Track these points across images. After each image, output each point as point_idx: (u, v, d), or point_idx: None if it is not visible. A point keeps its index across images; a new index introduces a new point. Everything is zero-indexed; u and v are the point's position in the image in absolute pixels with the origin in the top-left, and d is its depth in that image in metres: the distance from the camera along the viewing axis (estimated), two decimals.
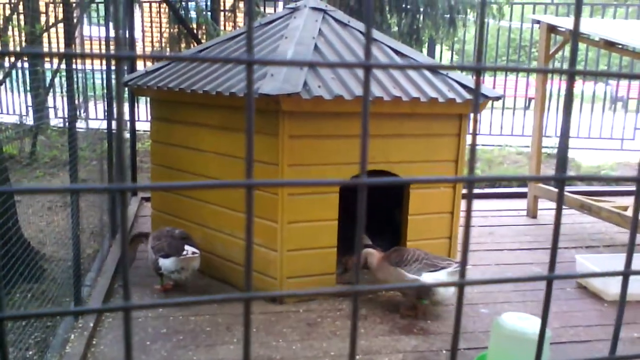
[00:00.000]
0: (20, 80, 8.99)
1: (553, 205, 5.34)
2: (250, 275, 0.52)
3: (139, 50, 7.69)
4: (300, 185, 0.51)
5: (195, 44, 6.41)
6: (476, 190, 6.40)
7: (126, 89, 4.76)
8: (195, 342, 2.90)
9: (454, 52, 9.97)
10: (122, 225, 0.50)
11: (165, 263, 3.26)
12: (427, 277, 3.08)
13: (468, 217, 0.52)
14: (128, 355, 0.51)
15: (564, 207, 4.83)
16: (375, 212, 4.11)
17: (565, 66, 7.72)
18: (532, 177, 0.54)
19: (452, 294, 3.17)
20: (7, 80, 8.32)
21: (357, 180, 0.48)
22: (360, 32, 3.62)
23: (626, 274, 0.60)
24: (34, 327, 3.05)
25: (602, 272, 0.63)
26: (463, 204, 3.77)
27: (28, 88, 8.48)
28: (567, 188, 6.03)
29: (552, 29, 5.07)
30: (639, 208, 0.55)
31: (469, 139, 3.59)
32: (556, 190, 5.23)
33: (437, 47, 9.24)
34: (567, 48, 6.91)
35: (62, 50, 3.27)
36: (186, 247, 3.25)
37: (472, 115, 3.54)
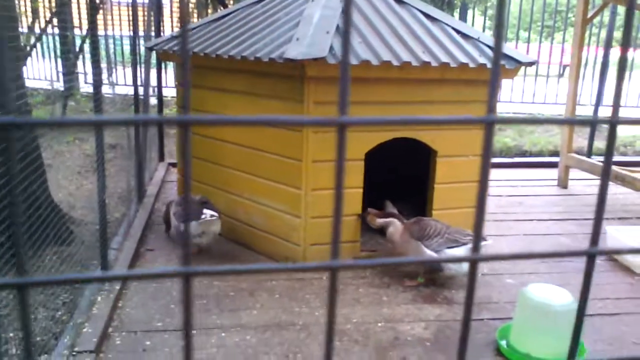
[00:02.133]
0: (51, 45, 9.06)
1: (585, 175, 5.21)
2: (338, 244, 0.48)
3: (166, 15, 7.65)
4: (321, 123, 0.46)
5: (222, 8, 6.34)
6: (506, 159, 6.28)
7: (153, 53, 4.75)
8: (219, 306, 2.93)
9: (487, 17, 9.68)
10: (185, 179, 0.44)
11: None
12: (449, 254, 3.04)
13: (486, 164, 0.48)
14: (187, 324, 0.48)
15: (595, 177, 4.68)
16: (401, 178, 4.07)
17: (603, 31, 7.41)
18: (565, 120, 0.49)
19: (466, 269, 3.13)
20: (38, 46, 8.40)
21: (335, 119, 0.44)
22: None
23: None
24: (63, 289, 3.12)
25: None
26: (492, 173, 3.69)
27: (58, 53, 8.55)
28: (599, 158, 5.86)
29: None
30: None
31: (499, 106, 3.50)
32: (589, 160, 5.09)
33: (470, 12, 8.98)
34: (606, 13, 6.64)
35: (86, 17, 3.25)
36: (205, 210, 3.27)
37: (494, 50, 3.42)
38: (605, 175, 0.50)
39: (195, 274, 0.47)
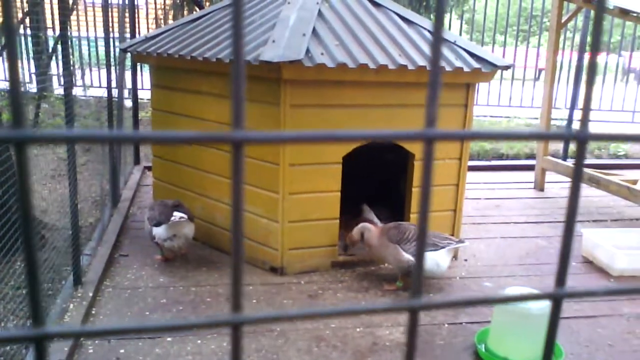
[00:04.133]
0: (23, 46, 8.88)
1: (561, 178, 5.26)
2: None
3: (142, 16, 7.55)
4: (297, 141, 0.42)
5: (198, 10, 6.27)
6: (483, 162, 6.32)
7: (128, 55, 4.68)
8: (195, 312, 2.88)
9: (464, 22, 9.75)
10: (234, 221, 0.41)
11: (158, 231, 3.25)
12: (427, 257, 3.03)
13: (426, 187, 0.44)
14: None
15: (570, 180, 4.76)
16: (377, 182, 4.06)
17: (577, 36, 7.51)
18: (542, 135, 0.46)
19: (444, 271, 3.13)
20: None
21: (230, 135, 0.39)
22: None
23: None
24: None
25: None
26: (469, 176, 3.70)
27: (31, 54, 8.38)
28: (574, 160, 5.93)
29: None
30: None
31: (476, 109, 3.51)
32: (564, 163, 5.14)
33: (447, 16, 9.03)
34: (580, 17, 6.73)
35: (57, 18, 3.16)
36: (175, 213, 3.23)
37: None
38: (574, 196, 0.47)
39: (246, 322, 0.41)
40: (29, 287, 0.38)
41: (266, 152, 3.19)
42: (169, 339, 2.62)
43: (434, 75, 0.40)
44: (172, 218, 3.20)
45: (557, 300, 0.47)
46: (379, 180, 4.07)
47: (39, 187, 5.11)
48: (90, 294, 2.87)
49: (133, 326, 0.39)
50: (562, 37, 6.00)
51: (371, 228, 3.20)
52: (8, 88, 0.34)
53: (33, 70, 8.18)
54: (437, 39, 0.39)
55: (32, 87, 7.79)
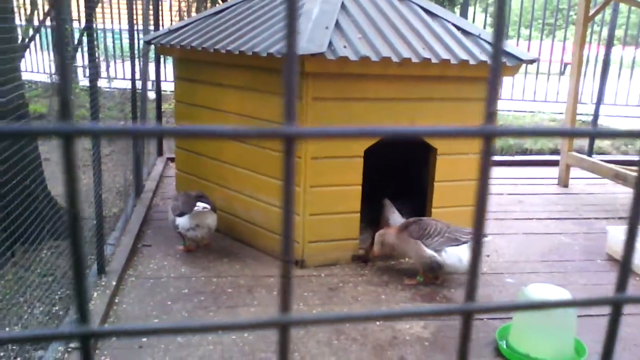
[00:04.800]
0: (49, 38, 9.01)
1: (585, 174, 5.18)
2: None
3: (165, 9, 7.60)
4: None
5: (221, 2, 6.30)
6: (506, 158, 6.25)
7: (152, 47, 4.72)
8: (216, 303, 2.91)
9: (488, 14, 9.63)
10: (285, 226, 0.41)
11: (181, 221, 3.29)
12: (449, 252, 3.02)
13: (483, 181, 0.42)
14: None
15: (596, 176, 4.64)
16: (399, 175, 4.04)
17: (605, 30, 7.38)
18: (564, 131, 0.45)
19: (466, 266, 3.10)
20: (37, 39, 8.35)
21: (282, 130, 0.38)
22: None
23: None
24: (60, 284, 3.09)
25: None
26: (493, 171, 3.66)
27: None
28: (600, 157, 5.84)
29: None
30: None
31: (500, 104, 3.46)
32: (589, 158, 5.07)
33: (471, 9, 8.94)
34: (608, 11, 6.61)
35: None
36: (197, 203, 3.26)
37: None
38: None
39: (294, 324, 0.40)
40: (75, 286, 0.38)
41: None
42: None
43: (495, 71, 0.39)
44: (195, 208, 3.24)
45: (617, 306, 0.46)
46: (401, 174, 4.05)
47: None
48: (114, 283, 2.92)
49: (178, 326, 0.39)
50: (589, 31, 5.90)
51: (386, 231, 3.21)
52: (58, 81, 0.35)
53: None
54: (498, 34, 0.39)
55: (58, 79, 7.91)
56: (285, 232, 0.39)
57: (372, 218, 3.74)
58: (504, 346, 2.57)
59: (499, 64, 0.40)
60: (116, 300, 2.88)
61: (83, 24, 3.33)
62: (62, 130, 0.35)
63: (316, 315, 0.41)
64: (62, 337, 0.40)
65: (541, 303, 0.46)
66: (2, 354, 2.51)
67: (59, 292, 3.06)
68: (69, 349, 2.38)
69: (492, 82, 0.40)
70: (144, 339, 2.55)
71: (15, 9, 4.89)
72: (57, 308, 2.94)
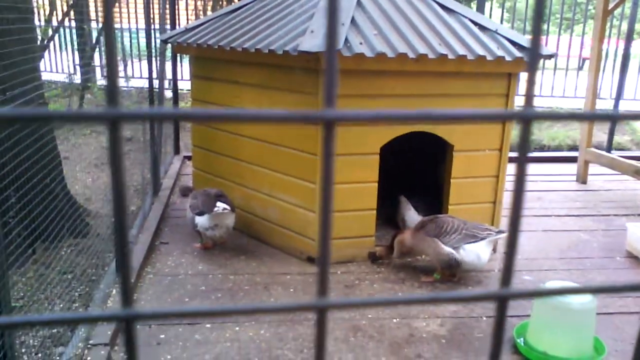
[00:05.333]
0: (68, 38, 9.11)
1: (604, 170, 5.12)
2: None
3: (181, 7, 7.65)
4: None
5: (237, 0, 6.32)
6: None
7: (168, 46, 4.75)
8: (233, 300, 2.93)
9: (505, 9, 9.54)
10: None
11: (200, 220, 3.31)
12: (468, 249, 3.01)
13: (521, 166, 0.42)
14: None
15: (615, 172, 4.57)
16: (415, 172, 4.03)
17: (625, 24, 7.27)
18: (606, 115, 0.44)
19: (485, 263, 3.08)
20: (56, 39, 8.45)
21: (320, 114, 0.38)
22: None
23: None
24: (79, 281, 3.13)
25: None
26: (509, 168, 3.63)
27: (75, 46, 8.59)
28: (619, 153, 5.76)
29: None
30: None
31: (517, 100, 3.43)
32: (608, 154, 5.00)
33: (487, 4, 8.85)
34: (627, 4, 6.51)
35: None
36: (218, 203, 3.28)
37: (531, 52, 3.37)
38: None
39: (331, 307, 0.40)
40: (121, 272, 0.39)
41: (303, 142, 3.21)
42: (207, 325, 2.67)
43: (533, 55, 0.39)
44: (215, 209, 3.26)
45: None
46: (417, 171, 4.04)
47: (83, 175, 5.25)
48: (132, 280, 2.94)
49: (218, 308, 0.40)
50: (608, 25, 5.82)
51: (404, 237, 3.19)
52: (106, 76, 0.35)
53: (77, 61, 8.39)
54: (537, 16, 0.38)
55: (77, 79, 7.99)
56: (324, 219, 0.40)
57: (388, 215, 3.74)
58: (522, 344, 2.55)
59: (538, 46, 0.39)
60: (135, 297, 2.91)
61: (101, 24, 3.37)
62: (108, 114, 0.36)
63: (353, 300, 0.41)
64: (107, 318, 0.41)
65: (577, 288, 0.45)
66: (23, 350, 2.55)
67: (78, 290, 3.11)
68: (89, 346, 2.41)
69: (531, 66, 0.40)
70: (162, 335, 2.58)
71: (35, 10, 4.95)
72: (76, 305, 2.98)
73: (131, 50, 9.42)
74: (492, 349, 0.44)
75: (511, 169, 4.06)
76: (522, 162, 0.41)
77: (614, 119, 0.44)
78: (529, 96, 0.40)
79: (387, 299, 0.42)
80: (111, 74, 0.36)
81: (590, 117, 0.43)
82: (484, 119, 0.41)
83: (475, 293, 0.43)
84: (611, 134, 6.08)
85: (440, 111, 0.40)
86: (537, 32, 0.39)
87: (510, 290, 0.42)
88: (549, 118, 0.41)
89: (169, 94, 5.80)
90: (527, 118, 0.39)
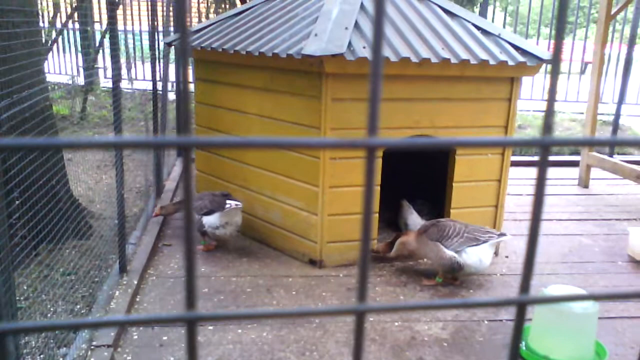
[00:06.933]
0: (72, 40, 9.14)
1: (606, 174, 5.12)
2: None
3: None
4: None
5: (240, 3, 6.34)
6: (525, 158, 6.20)
7: (172, 48, 4.77)
8: (236, 302, 2.94)
9: (507, 14, 9.56)
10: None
11: (210, 220, 3.34)
12: (470, 253, 3.01)
13: (540, 189, 0.44)
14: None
15: (617, 177, 4.59)
16: (417, 175, 4.03)
17: (627, 28, 7.28)
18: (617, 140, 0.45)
19: (487, 266, 3.09)
20: (59, 41, 8.48)
21: (362, 141, 0.41)
22: None
23: None
24: (82, 283, 3.14)
25: None
26: (511, 172, 3.64)
27: (79, 48, 8.62)
28: (622, 157, 5.77)
29: None
30: None
31: (520, 103, 3.44)
32: (611, 159, 5.01)
33: (490, 8, 8.87)
34: (630, 9, 6.52)
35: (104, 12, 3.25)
36: (228, 201, 3.32)
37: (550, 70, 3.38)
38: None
39: (369, 311, 0.43)
40: (187, 276, 0.41)
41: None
42: (210, 327, 2.68)
43: (553, 83, 0.41)
44: (227, 206, 3.29)
45: None
46: (419, 174, 4.05)
47: (86, 177, 5.27)
48: (135, 282, 2.96)
49: (270, 312, 0.42)
50: (610, 29, 5.82)
51: (407, 239, 3.20)
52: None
53: (81, 63, 8.42)
54: (560, 30, 0.39)
55: (80, 80, 8.02)
56: (364, 230, 0.41)
57: (390, 219, 3.75)
58: (523, 347, 2.56)
59: (556, 79, 0.41)
60: (137, 299, 2.92)
61: (105, 26, 3.39)
62: (182, 142, 0.39)
63: (389, 305, 0.44)
64: (171, 320, 0.43)
65: (598, 295, 0.47)
66: (25, 350, 2.56)
67: (81, 291, 3.12)
68: (92, 347, 2.42)
69: (550, 96, 0.42)
70: (164, 337, 2.59)
71: (39, 12, 4.98)
72: (79, 306, 2.99)
73: (134, 52, 9.44)
74: (510, 352, 0.46)
75: (513, 172, 4.07)
76: (539, 191, 0.43)
77: (612, 145, 0.46)
78: (548, 125, 0.41)
79: (421, 304, 0.44)
80: (184, 107, 0.39)
81: (602, 143, 0.45)
82: (501, 145, 0.43)
83: (496, 299, 0.45)
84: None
85: (470, 139, 0.42)
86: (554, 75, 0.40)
87: (529, 296, 0.44)
88: (564, 143, 0.43)
89: (172, 96, 5.82)
90: (545, 145, 0.41)
